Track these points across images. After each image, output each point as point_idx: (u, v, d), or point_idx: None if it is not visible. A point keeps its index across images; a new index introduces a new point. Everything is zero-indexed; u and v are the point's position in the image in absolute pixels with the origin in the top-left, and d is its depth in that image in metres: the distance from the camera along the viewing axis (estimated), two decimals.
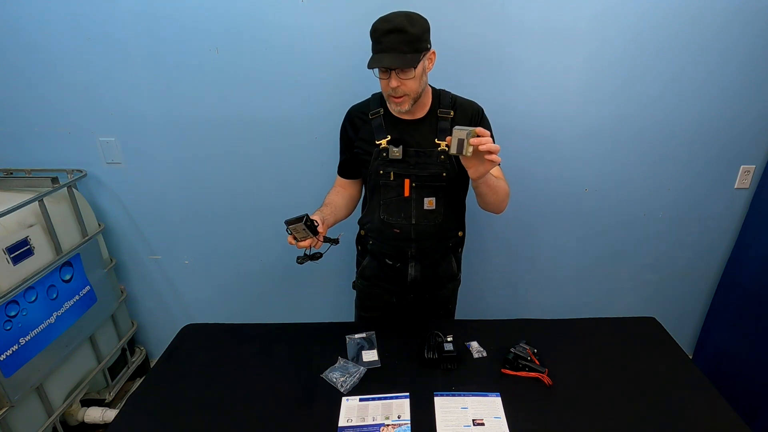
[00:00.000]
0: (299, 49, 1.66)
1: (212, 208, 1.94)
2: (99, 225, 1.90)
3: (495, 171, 1.35)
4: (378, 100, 1.33)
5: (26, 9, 1.60)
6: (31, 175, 1.79)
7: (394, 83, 1.17)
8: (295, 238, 1.19)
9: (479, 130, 1.05)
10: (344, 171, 1.45)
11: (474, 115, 1.33)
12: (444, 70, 1.67)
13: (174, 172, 1.87)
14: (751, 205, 1.96)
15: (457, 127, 1.06)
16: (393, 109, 1.24)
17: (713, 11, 1.63)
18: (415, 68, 1.16)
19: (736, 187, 1.95)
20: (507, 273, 2.11)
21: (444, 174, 1.29)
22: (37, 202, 1.56)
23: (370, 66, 1.16)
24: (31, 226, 1.56)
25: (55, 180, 1.64)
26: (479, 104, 1.37)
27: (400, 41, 1.13)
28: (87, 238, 1.77)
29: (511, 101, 1.75)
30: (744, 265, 1.96)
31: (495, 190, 1.23)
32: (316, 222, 1.20)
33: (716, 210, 1.99)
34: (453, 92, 1.37)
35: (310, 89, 1.72)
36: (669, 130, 1.82)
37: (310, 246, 1.21)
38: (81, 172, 1.83)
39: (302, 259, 1.26)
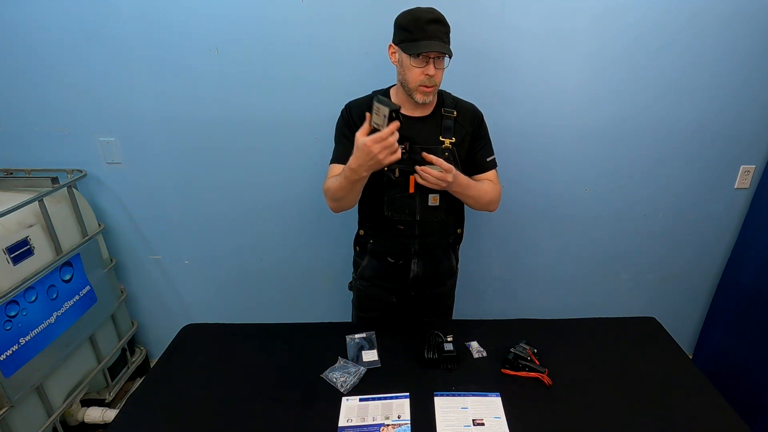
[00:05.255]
0: (299, 49, 1.66)
1: (212, 208, 1.94)
2: (99, 225, 1.90)
3: (490, 174, 1.42)
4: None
5: (26, 9, 1.60)
6: (31, 175, 1.79)
7: (432, 71, 1.19)
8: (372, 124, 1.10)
9: (427, 156, 1.20)
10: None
11: (475, 119, 1.37)
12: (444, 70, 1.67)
13: (174, 172, 1.87)
14: (751, 205, 1.96)
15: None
16: (420, 99, 1.25)
17: (713, 11, 1.62)
18: (450, 59, 1.21)
19: (736, 187, 1.95)
20: (506, 273, 2.11)
21: None
22: (37, 202, 1.56)
23: (418, 51, 1.17)
24: (31, 226, 1.56)
25: (55, 180, 1.64)
26: (478, 107, 1.40)
27: (442, 31, 1.18)
28: (87, 238, 1.77)
29: (512, 101, 1.75)
30: (744, 265, 1.96)
31: (465, 195, 1.32)
32: (400, 118, 1.09)
33: (716, 210, 1.99)
34: (453, 93, 1.40)
35: (310, 89, 1.72)
36: (669, 130, 1.82)
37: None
38: (81, 172, 1.83)
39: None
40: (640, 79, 1.73)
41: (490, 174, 1.43)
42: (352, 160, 1.14)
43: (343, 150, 1.33)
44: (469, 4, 1.60)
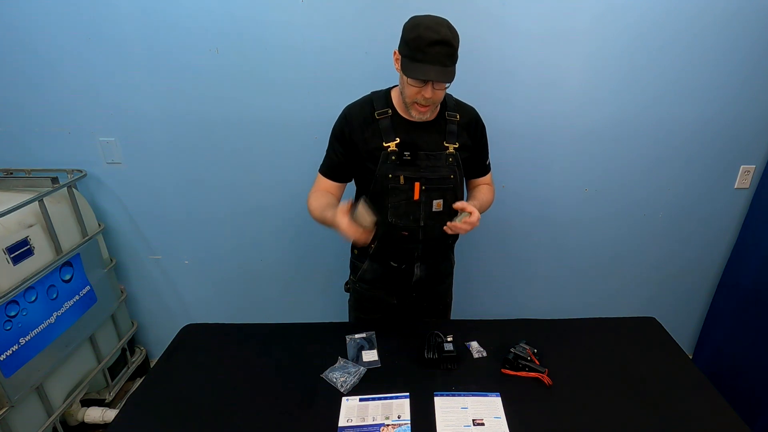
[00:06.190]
0: (299, 49, 1.66)
1: (212, 208, 1.94)
2: (99, 225, 1.90)
3: (488, 177, 1.48)
4: (383, 99, 1.29)
5: (26, 9, 1.60)
6: (31, 175, 1.79)
7: (429, 94, 1.15)
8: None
9: (468, 217, 1.22)
10: (337, 174, 1.36)
11: (476, 124, 1.36)
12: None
13: (174, 172, 1.87)
14: (751, 205, 1.96)
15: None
16: (415, 115, 1.23)
17: (713, 11, 1.63)
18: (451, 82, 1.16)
19: (736, 187, 1.95)
20: (506, 274, 2.11)
21: (452, 176, 1.30)
22: (37, 202, 1.56)
23: (414, 76, 1.13)
24: (31, 226, 1.56)
25: (55, 180, 1.64)
26: (479, 107, 1.40)
27: (444, 54, 1.10)
28: (87, 238, 1.77)
29: (512, 102, 1.75)
30: (744, 265, 1.96)
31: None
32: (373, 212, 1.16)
33: (716, 210, 2.00)
34: (451, 92, 1.38)
35: (310, 89, 1.72)
36: (669, 130, 1.82)
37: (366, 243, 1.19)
38: (81, 172, 1.83)
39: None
40: (640, 79, 1.73)
41: (488, 177, 1.47)
42: (333, 218, 1.17)
43: (331, 163, 1.35)
44: (469, 4, 1.60)
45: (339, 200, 1.39)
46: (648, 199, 1.96)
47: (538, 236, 2.03)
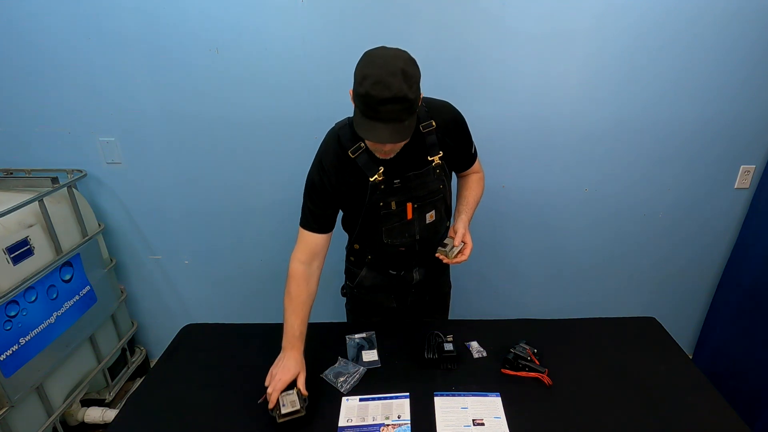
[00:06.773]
0: (299, 49, 1.66)
1: (212, 208, 1.94)
2: (99, 225, 1.90)
3: (476, 166, 1.41)
4: (349, 135, 1.17)
5: (26, 8, 1.60)
6: (31, 175, 1.79)
7: (387, 148, 1.08)
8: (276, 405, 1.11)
9: (462, 252, 1.23)
10: (323, 225, 1.26)
11: (454, 123, 1.25)
12: (445, 70, 1.67)
13: (174, 171, 1.87)
14: (751, 205, 1.96)
15: (441, 249, 1.22)
16: (379, 156, 1.15)
17: (713, 11, 1.62)
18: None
19: (736, 187, 1.95)
20: (506, 274, 2.11)
21: (441, 186, 1.27)
22: (37, 202, 1.56)
23: (364, 137, 1.03)
24: (31, 226, 1.56)
25: (55, 180, 1.64)
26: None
27: (399, 110, 0.98)
28: (87, 238, 1.78)
29: (512, 102, 1.75)
30: (744, 265, 1.96)
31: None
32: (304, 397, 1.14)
33: (716, 210, 1.99)
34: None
35: (310, 89, 1.72)
36: (669, 130, 1.82)
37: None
38: (81, 172, 1.83)
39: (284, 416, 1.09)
40: (640, 79, 1.73)
41: (476, 165, 1.40)
42: (285, 344, 1.20)
43: (314, 215, 1.24)
44: (469, 4, 1.60)
45: (322, 261, 1.32)
46: (648, 199, 1.96)
47: (538, 236, 2.03)
